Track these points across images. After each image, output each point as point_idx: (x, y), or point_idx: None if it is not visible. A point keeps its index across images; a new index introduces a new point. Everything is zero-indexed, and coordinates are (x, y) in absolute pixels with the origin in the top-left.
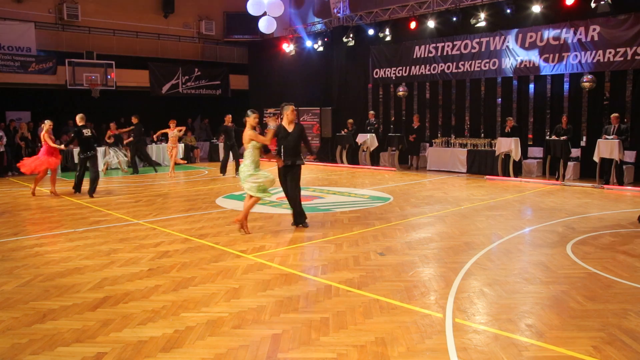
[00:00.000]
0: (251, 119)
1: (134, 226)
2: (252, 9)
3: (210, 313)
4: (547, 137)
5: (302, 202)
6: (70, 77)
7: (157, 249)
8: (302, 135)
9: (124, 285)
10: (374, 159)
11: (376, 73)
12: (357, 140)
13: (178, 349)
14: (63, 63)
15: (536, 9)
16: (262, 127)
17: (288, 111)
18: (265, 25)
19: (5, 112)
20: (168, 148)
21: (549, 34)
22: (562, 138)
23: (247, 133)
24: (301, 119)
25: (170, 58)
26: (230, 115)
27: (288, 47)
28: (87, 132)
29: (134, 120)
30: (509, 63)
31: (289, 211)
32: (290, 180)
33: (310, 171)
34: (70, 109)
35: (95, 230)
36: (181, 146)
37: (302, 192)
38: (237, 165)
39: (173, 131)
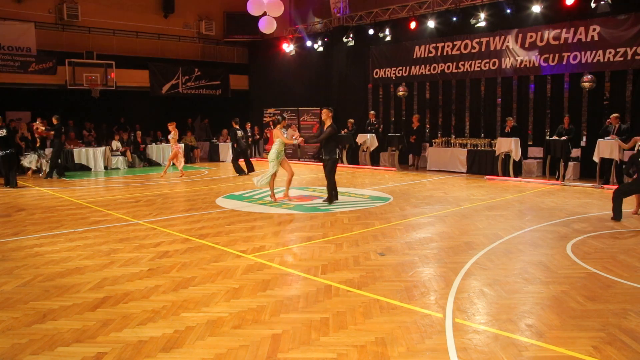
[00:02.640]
0: (284, 122)
1: (134, 226)
2: (252, 8)
3: (210, 313)
4: (547, 137)
5: (302, 202)
6: (70, 77)
7: (157, 249)
8: (323, 131)
9: (124, 285)
10: (374, 159)
11: (376, 73)
12: (357, 140)
13: (178, 349)
14: (63, 63)
15: (536, 9)
16: (262, 126)
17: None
18: (265, 25)
19: (5, 112)
20: (174, 149)
21: (549, 34)
22: (563, 138)
23: (277, 132)
24: (301, 119)
25: (170, 58)
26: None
27: (288, 47)
28: (1, 132)
29: (55, 121)
30: (509, 63)
31: (289, 211)
32: (325, 171)
33: (310, 171)
34: (70, 109)
35: (95, 230)
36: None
37: (301, 192)
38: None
39: (172, 134)
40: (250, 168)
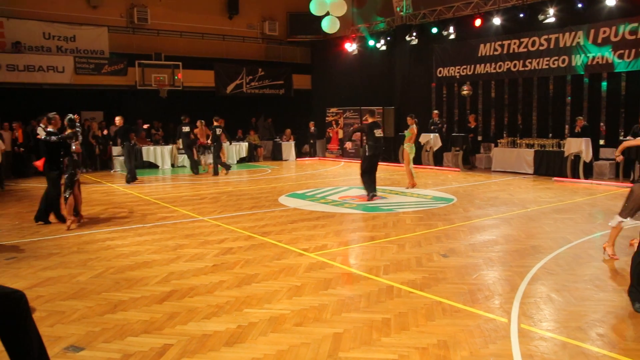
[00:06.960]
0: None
1: (199, 223)
2: (315, 9)
3: (273, 310)
4: (622, 138)
5: (364, 203)
6: (139, 78)
7: (221, 245)
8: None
9: (189, 279)
10: (437, 159)
11: (440, 72)
12: (420, 140)
13: (241, 344)
14: (133, 64)
15: (610, 2)
16: (325, 125)
17: None
18: (328, 25)
19: (80, 112)
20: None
21: (624, 28)
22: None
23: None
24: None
25: (235, 58)
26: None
27: (351, 47)
28: None
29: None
30: (579, 60)
31: (351, 210)
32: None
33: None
34: (139, 108)
35: (162, 225)
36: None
37: (362, 192)
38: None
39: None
40: (196, 169)
